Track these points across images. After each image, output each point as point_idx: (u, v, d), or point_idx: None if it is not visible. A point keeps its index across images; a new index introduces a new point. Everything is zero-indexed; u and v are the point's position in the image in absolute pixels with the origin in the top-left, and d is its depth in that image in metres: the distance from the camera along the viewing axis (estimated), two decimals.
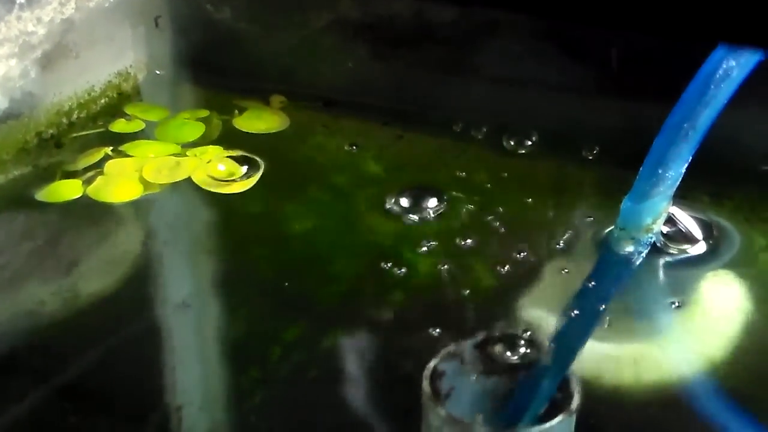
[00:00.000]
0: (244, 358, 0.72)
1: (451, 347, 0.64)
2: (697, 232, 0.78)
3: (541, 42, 0.88)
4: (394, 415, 0.66)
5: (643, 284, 0.76)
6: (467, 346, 0.64)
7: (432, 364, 0.62)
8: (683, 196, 0.78)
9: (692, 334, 0.73)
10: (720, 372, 0.70)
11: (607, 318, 0.72)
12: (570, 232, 0.79)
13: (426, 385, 0.61)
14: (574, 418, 0.60)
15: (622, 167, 0.75)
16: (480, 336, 0.65)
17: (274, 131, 0.96)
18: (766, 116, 0.83)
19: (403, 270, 0.77)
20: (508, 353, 0.65)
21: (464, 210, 0.83)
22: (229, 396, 0.69)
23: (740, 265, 0.77)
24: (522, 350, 0.65)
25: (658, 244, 0.75)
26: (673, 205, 0.75)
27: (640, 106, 0.84)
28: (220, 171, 0.89)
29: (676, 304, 0.74)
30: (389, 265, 0.78)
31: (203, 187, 0.88)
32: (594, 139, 0.86)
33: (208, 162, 0.90)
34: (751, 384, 0.70)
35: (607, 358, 0.70)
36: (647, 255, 0.76)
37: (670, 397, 0.69)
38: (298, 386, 0.69)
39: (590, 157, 0.86)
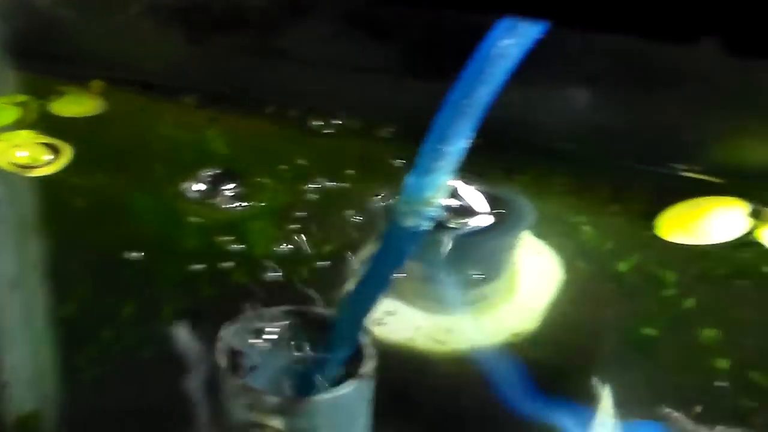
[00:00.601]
0: (75, 337, 0.73)
1: (248, 321, 0.65)
2: (483, 205, 0.80)
3: (347, 24, 0.90)
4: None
5: (444, 257, 0.79)
6: (264, 319, 0.66)
7: (226, 336, 0.64)
8: (477, 171, 0.81)
9: (493, 305, 0.76)
10: (520, 342, 0.73)
11: (414, 289, 0.74)
12: (364, 207, 0.82)
13: (221, 357, 0.62)
14: (369, 383, 0.62)
15: (419, 144, 0.77)
16: (276, 309, 0.67)
17: (91, 115, 0.97)
18: (554, 94, 0.86)
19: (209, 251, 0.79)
20: (301, 323, 0.66)
21: (267, 189, 0.85)
22: (59, 373, 0.70)
23: (533, 236, 0.81)
24: (314, 321, 0.67)
25: (443, 217, 0.78)
26: (467, 180, 0.78)
27: (441, 86, 0.87)
28: (24, 156, 0.90)
29: (477, 275, 0.77)
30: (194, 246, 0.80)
31: (10, 170, 0.88)
32: (396, 117, 0.89)
33: (15, 146, 0.91)
34: (551, 353, 0.73)
35: (417, 328, 0.73)
36: (444, 228, 0.78)
37: (471, 366, 0.72)
38: (129, 364, 0.70)
39: (389, 136, 0.88)
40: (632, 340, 0.74)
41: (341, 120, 0.91)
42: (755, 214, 0.81)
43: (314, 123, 0.92)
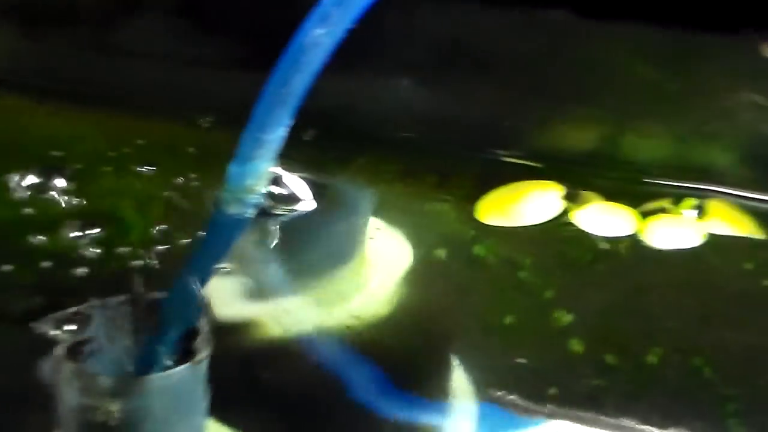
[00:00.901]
0: None
1: (89, 308, 0.66)
2: (308, 192, 0.82)
3: (177, 18, 0.91)
4: None
5: (277, 243, 0.81)
6: (99, 307, 0.67)
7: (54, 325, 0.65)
8: (307, 160, 0.83)
9: (338, 290, 0.78)
10: (368, 327, 0.75)
11: (252, 274, 0.76)
12: (190, 195, 0.83)
13: (57, 347, 0.63)
14: (204, 365, 0.62)
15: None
16: (115, 298, 0.67)
17: None
18: (379, 83, 0.88)
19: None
20: (138, 309, 0.67)
21: (98, 182, 0.86)
22: None
23: (378, 223, 0.83)
24: (150, 307, 0.67)
25: (266, 205, 0.80)
26: (294, 168, 0.79)
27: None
28: None
29: (318, 260, 0.78)
30: None
31: None
32: (224, 108, 0.89)
33: None
34: (397, 341, 0.75)
35: (259, 312, 0.75)
36: (269, 215, 0.80)
37: (313, 351, 0.73)
38: None
39: (218, 126, 0.90)
40: (485, 325, 0.76)
41: (173, 111, 0.92)
42: (569, 197, 0.84)
43: (147, 115, 0.92)
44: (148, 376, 0.62)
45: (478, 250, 0.81)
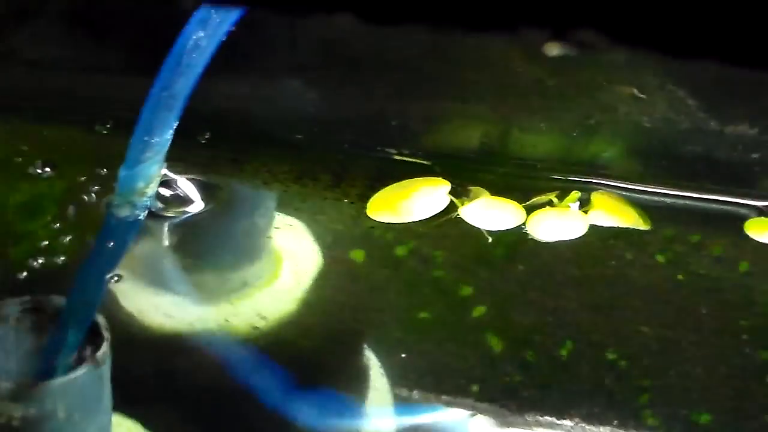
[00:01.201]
0: None
1: None
2: (199, 194, 0.84)
3: (69, 25, 0.91)
4: None
5: (172, 245, 0.82)
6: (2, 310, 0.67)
7: None
8: (203, 162, 0.84)
9: (248, 290, 0.79)
10: (279, 327, 0.76)
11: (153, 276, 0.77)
12: (84, 200, 0.84)
13: None
14: (104, 366, 0.63)
15: None
16: (13, 302, 0.68)
17: None
18: (271, 85, 0.89)
19: None
20: (39, 312, 0.67)
21: None
22: None
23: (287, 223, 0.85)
24: (51, 309, 0.68)
25: (156, 208, 0.81)
26: (192, 171, 0.81)
27: None
28: None
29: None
30: None
31: None
32: (118, 113, 0.90)
33: None
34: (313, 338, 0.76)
35: (164, 314, 0.76)
36: (161, 217, 0.81)
37: (220, 350, 0.75)
38: None
39: (111, 131, 0.90)
40: (403, 321, 0.78)
41: (69, 118, 0.93)
42: (457, 193, 0.86)
43: (42, 122, 0.93)
44: (49, 379, 0.63)
45: (370, 247, 0.83)
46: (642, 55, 0.76)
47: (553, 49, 0.82)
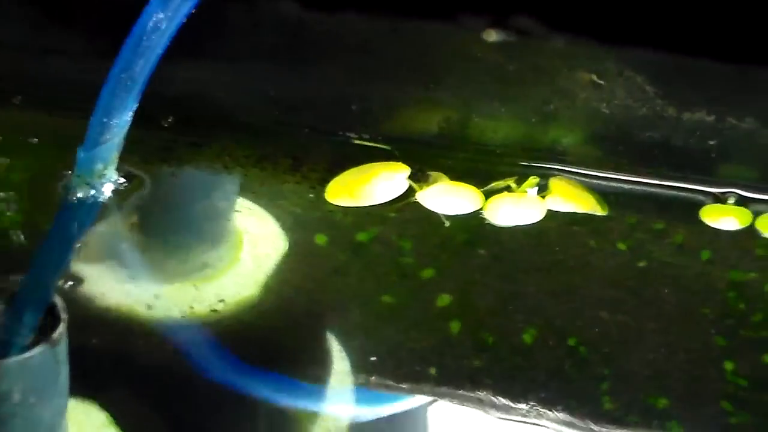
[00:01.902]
0: None
1: None
2: (154, 176, 0.84)
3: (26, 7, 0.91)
4: None
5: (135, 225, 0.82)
6: None
7: None
8: (163, 146, 0.84)
9: (211, 272, 0.80)
10: (241, 310, 0.76)
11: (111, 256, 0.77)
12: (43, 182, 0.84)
13: None
14: (60, 348, 0.63)
15: None
16: None
17: None
18: (232, 69, 0.89)
19: None
20: None
21: None
22: None
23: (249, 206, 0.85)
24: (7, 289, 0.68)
25: (117, 188, 0.81)
26: (152, 154, 0.81)
27: None
28: None
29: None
30: None
31: None
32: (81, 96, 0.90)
33: None
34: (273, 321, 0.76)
35: (124, 294, 0.76)
36: (134, 199, 0.82)
37: (180, 334, 0.75)
38: None
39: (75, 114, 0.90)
40: (364, 305, 0.78)
41: (29, 100, 0.92)
42: (416, 177, 0.86)
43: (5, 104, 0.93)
44: (4, 359, 0.62)
45: (331, 231, 0.83)
46: (582, 42, 0.77)
47: (491, 36, 0.83)
